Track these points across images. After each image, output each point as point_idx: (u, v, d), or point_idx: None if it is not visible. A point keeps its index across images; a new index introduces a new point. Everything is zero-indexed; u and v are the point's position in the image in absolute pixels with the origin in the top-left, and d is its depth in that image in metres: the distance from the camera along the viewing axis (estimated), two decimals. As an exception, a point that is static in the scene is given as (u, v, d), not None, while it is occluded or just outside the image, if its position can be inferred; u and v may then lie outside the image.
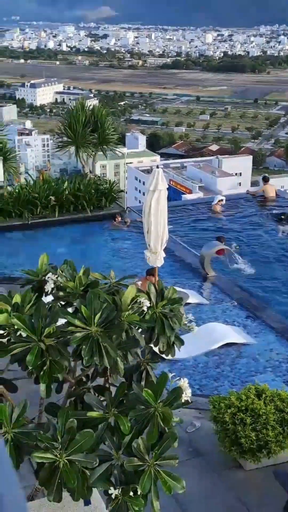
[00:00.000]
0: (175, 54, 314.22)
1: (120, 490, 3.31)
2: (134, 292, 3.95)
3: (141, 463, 3.34)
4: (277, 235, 16.92)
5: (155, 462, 3.35)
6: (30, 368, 3.51)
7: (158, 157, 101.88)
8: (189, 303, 11.38)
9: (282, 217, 17.54)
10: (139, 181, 67.81)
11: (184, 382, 3.81)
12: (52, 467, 3.25)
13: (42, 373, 3.57)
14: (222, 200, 19.02)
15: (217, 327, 10.61)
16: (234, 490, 6.49)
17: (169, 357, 4.46)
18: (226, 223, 17.97)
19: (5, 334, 3.64)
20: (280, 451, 6.52)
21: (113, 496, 3.30)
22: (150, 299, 4.17)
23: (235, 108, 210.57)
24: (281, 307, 12.18)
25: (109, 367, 3.72)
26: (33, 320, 3.66)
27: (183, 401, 3.71)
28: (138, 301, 4.01)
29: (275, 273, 14.24)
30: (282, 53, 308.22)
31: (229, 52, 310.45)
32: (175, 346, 4.25)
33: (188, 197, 48.81)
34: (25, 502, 1.15)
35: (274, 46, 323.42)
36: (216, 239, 14.57)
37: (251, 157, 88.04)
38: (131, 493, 3.32)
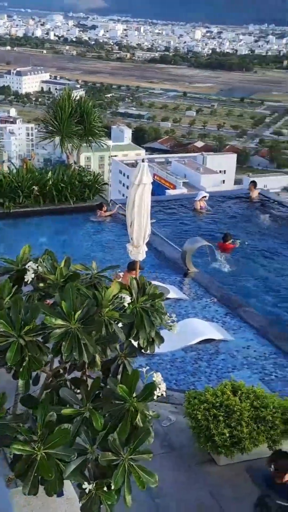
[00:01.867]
0: (163, 48, 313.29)
1: (94, 484, 3.29)
2: (118, 288, 3.92)
3: (115, 458, 3.31)
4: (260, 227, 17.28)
5: (130, 457, 3.33)
6: (9, 364, 3.44)
7: (143, 151, 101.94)
8: (169, 298, 11.38)
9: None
10: (123, 174, 67.70)
11: (157, 377, 3.78)
12: (29, 460, 3.21)
13: (21, 369, 3.49)
14: (205, 196, 19.03)
15: (196, 323, 10.64)
16: (207, 484, 6.52)
17: (148, 351, 4.45)
18: (207, 219, 18.01)
19: None
20: (254, 448, 6.57)
21: (86, 491, 3.28)
22: (131, 294, 4.14)
23: (221, 105, 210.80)
24: (260, 305, 12.27)
25: (87, 362, 3.68)
26: (11, 315, 3.54)
27: (155, 397, 3.68)
28: (119, 296, 3.97)
29: (255, 271, 14.32)
30: (270, 53, 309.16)
31: (218, 50, 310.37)
32: (154, 342, 4.24)
33: (172, 192, 48.96)
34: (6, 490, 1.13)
35: (262, 46, 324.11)
36: (223, 236, 15.14)
37: (235, 155, 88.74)
38: (105, 488, 3.30)
